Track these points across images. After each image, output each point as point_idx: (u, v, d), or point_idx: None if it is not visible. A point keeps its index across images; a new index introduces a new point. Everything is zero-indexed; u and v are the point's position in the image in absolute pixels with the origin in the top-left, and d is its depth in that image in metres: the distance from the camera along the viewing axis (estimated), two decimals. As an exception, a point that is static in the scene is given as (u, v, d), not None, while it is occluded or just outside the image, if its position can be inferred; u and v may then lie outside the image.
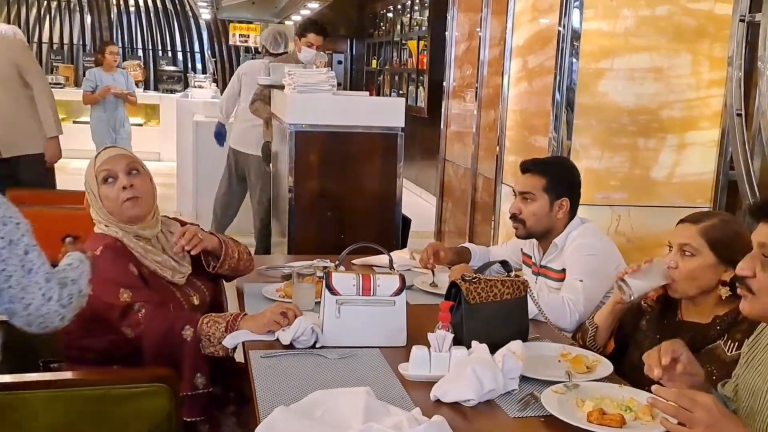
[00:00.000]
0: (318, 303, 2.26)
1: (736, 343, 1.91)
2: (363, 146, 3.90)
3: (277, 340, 2.11)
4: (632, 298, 2.08)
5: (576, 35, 3.45)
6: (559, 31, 3.50)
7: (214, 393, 2.18)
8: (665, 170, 3.55)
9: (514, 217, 2.66)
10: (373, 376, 1.94)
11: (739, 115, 3.02)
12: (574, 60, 3.46)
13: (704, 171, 3.57)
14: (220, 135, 5.92)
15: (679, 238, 2.06)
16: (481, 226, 4.76)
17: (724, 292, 1.99)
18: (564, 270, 2.58)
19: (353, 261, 2.94)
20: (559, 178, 2.65)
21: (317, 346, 2.09)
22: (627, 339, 2.24)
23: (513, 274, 2.18)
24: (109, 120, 7.45)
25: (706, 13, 3.50)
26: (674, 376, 1.70)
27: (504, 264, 2.22)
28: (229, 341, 2.09)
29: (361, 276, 2.15)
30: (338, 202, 3.90)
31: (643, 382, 2.01)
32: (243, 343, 2.12)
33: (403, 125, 3.86)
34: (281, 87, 4.24)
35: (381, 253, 2.52)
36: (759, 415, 1.63)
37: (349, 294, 2.12)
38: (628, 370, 2.08)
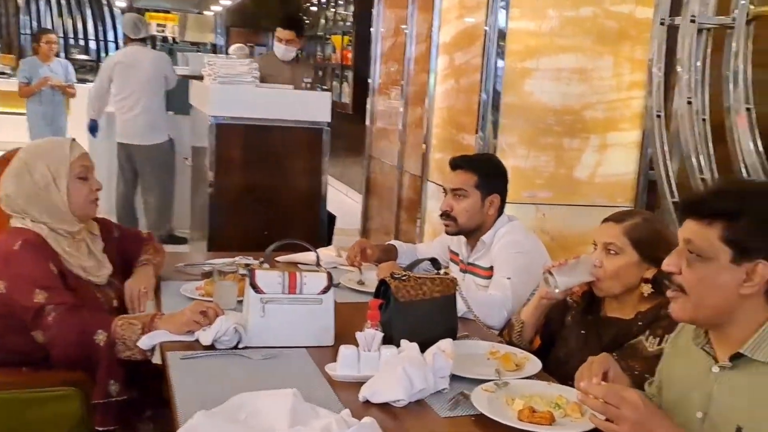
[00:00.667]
0: (240, 302, 2.19)
1: (658, 339, 1.94)
2: (288, 141, 3.83)
3: (197, 340, 2.02)
4: (557, 291, 2.09)
5: (502, 34, 3.46)
6: (485, 30, 3.50)
7: (130, 398, 2.07)
8: (588, 170, 3.61)
9: (445, 215, 2.64)
10: (299, 377, 1.87)
11: (659, 116, 3.08)
12: (500, 59, 3.47)
13: (625, 171, 3.64)
14: (94, 129, 5.90)
15: (603, 237, 2.07)
16: (406, 223, 4.74)
17: (647, 289, 2.02)
18: (492, 267, 2.57)
19: (277, 258, 2.86)
20: (490, 174, 2.64)
21: (240, 346, 2.01)
22: (553, 335, 2.24)
23: (442, 271, 2.15)
24: (46, 113, 7.02)
25: (627, 15, 3.56)
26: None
27: (433, 261, 2.19)
28: (145, 342, 1.99)
29: (286, 274, 2.08)
30: (262, 197, 3.81)
31: (568, 377, 2.02)
32: (160, 344, 2.02)
33: (329, 120, 3.80)
34: (200, 78, 4.12)
35: (307, 250, 2.47)
36: (681, 403, 1.64)
37: (274, 292, 2.05)
38: (554, 366, 2.08)
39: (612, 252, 2.04)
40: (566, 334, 2.17)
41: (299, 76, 4.76)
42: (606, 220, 2.12)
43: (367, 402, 1.73)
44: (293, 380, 1.83)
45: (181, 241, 5.58)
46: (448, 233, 2.70)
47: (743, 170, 2.74)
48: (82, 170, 2.22)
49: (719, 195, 1.55)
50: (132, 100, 5.46)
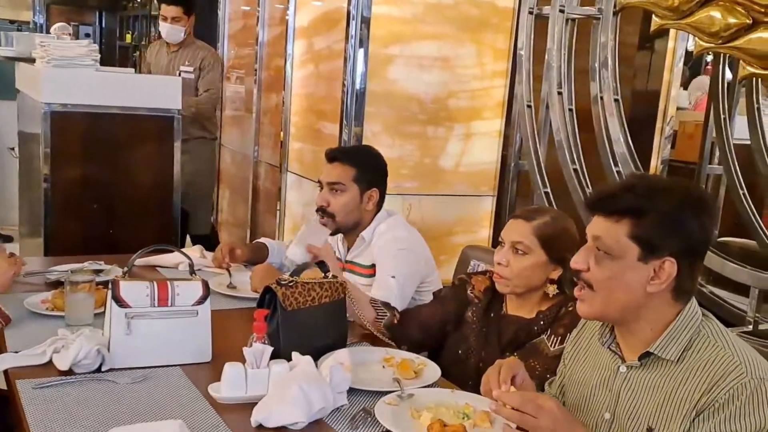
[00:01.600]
0: (98, 315, 1.92)
1: (559, 338, 1.90)
2: (134, 130, 3.49)
3: (52, 364, 1.75)
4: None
5: (365, 20, 3.33)
6: (349, 12, 3.35)
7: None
8: (453, 159, 3.57)
9: (322, 210, 2.47)
10: (177, 402, 1.65)
11: (529, 106, 3.08)
12: (364, 45, 3.34)
13: (489, 160, 3.63)
14: None
15: (511, 236, 2.00)
16: (264, 216, 4.52)
17: (552, 289, 1.98)
18: (373, 265, 2.44)
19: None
20: (369, 167, 2.50)
21: (103, 369, 1.76)
22: (448, 329, 2.14)
23: (330, 275, 1.99)
24: None
25: (488, 4, 3.54)
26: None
27: (320, 264, 2.03)
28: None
29: (155, 284, 1.84)
30: (105, 192, 3.46)
31: (467, 377, 1.96)
32: (6, 371, 1.73)
33: (180, 107, 3.51)
34: (31, 60, 3.68)
35: (169, 252, 2.23)
36: (587, 404, 1.61)
37: (141, 306, 1.81)
38: (452, 364, 2.00)
39: (520, 252, 1.97)
40: (466, 331, 2.09)
41: (179, 62, 4.36)
42: (514, 217, 2.05)
43: (261, 427, 1.55)
44: (170, 406, 1.62)
45: (7, 239, 5.05)
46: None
47: (610, 159, 2.78)
48: None
49: (627, 192, 1.52)
50: None
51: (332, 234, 2.50)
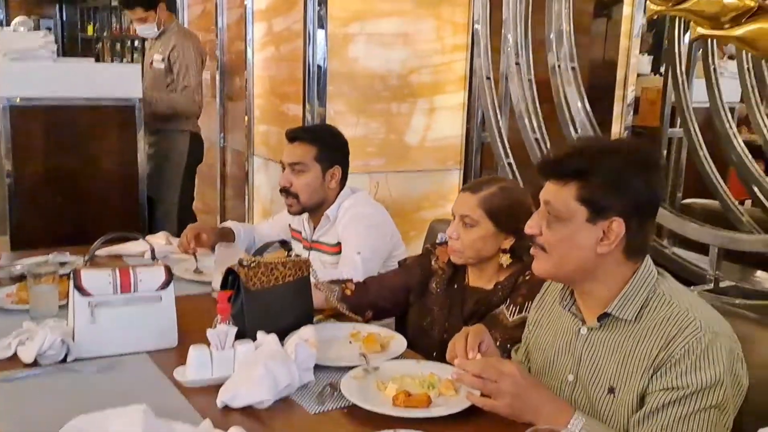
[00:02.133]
0: (63, 307, 1.92)
1: (518, 307, 1.92)
2: (96, 120, 3.46)
3: (16, 356, 1.74)
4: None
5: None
6: (304, -6, 3.33)
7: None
8: (418, 135, 3.57)
9: (285, 191, 2.47)
10: (144, 388, 1.66)
11: (488, 78, 3.08)
12: (323, 25, 3.33)
13: (453, 134, 3.64)
14: None
15: (459, 209, 2.01)
16: (232, 200, 4.51)
17: (505, 259, 1.99)
18: (339, 243, 2.45)
19: (97, 252, 2.56)
20: (329, 146, 2.50)
21: (69, 359, 1.76)
22: (409, 293, 2.16)
23: (293, 253, 2.00)
24: None
25: (446, -22, 3.53)
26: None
27: (283, 243, 2.03)
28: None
29: (117, 271, 1.84)
30: (69, 184, 3.44)
31: (432, 348, 1.98)
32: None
33: (141, 95, 3.48)
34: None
35: (133, 239, 2.22)
36: (551, 367, 1.64)
37: (104, 293, 1.81)
38: (417, 335, 2.02)
39: (468, 224, 1.98)
40: (430, 302, 2.11)
41: (153, 52, 4.23)
42: (463, 189, 2.07)
43: (227, 408, 1.56)
44: (137, 392, 1.63)
45: None
46: (291, 213, 2.53)
47: (571, 127, 2.80)
48: None
49: (573, 155, 1.54)
50: None
51: (298, 214, 2.51)
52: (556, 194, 1.50)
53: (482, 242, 1.97)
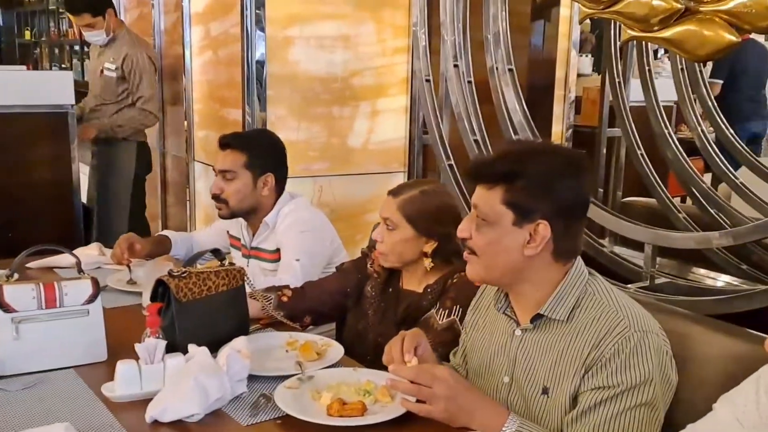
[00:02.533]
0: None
1: (447, 311, 1.90)
2: (26, 129, 3.37)
3: (-66, 377, 1.67)
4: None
5: (261, 2, 3.27)
6: (241, -2, 3.28)
7: None
8: (361, 138, 3.55)
9: (216, 198, 2.43)
10: (71, 405, 1.60)
11: (428, 80, 3.08)
12: (261, 28, 3.28)
13: (397, 137, 3.63)
14: None
15: (382, 212, 2.02)
16: (175, 207, 4.43)
17: (427, 263, 1.98)
18: (278, 250, 2.42)
19: (28, 265, 2.49)
20: (261, 152, 2.46)
21: (-8, 377, 1.69)
22: (346, 297, 2.14)
23: (227, 262, 1.96)
24: None
25: (384, -19, 3.52)
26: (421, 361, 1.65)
27: (215, 252, 1.99)
28: None
29: (41, 285, 1.78)
30: (1, 195, 3.33)
31: (366, 353, 1.96)
32: None
33: (73, 102, 3.39)
34: None
35: (58, 253, 2.16)
36: (487, 369, 1.64)
37: (28, 309, 1.74)
38: (353, 340, 2.00)
39: (389, 227, 1.98)
40: (365, 306, 2.09)
41: (104, 60, 4.06)
42: (388, 192, 2.06)
43: (156, 423, 1.51)
44: (64, 409, 1.58)
45: None
46: (221, 217, 2.50)
47: (510, 128, 2.81)
48: None
49: (498, 159, 1.56)
50: None
51: (228, 218, 2.47)
52: (484, 198, 1.51)
53: (402, 245, 1.97)
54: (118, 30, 4.07)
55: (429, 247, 1.96)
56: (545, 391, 1.50)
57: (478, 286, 1.85)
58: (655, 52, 5.13)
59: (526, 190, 1.47)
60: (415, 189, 2.00)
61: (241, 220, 2.52)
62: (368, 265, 2.11)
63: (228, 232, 2.65)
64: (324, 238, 2.43)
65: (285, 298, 2.09)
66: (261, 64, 3.30)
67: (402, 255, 1.98)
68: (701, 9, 1.92)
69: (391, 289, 2.06)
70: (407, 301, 2.00)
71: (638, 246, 2.53)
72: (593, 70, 5.42)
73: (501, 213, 1.49)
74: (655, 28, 2.05)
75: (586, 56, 5.46)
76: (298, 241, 2.36)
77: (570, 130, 3.79)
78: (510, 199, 1.48)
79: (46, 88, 3.42)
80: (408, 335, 1.63)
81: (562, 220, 1.48)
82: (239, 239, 2.58)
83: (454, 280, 1.92)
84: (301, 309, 2.09)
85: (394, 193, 2.01)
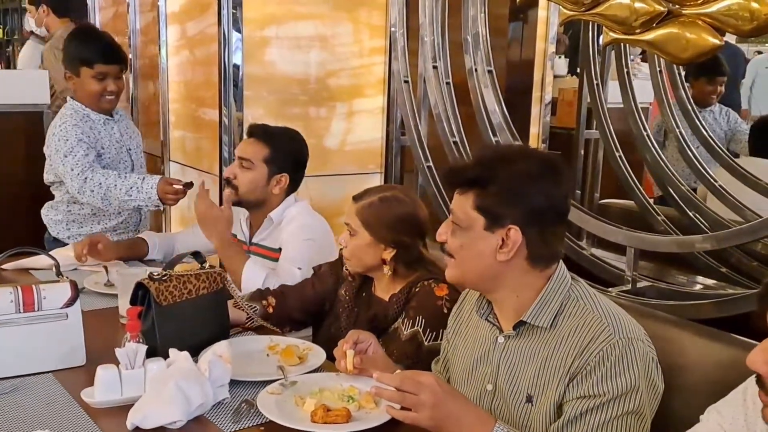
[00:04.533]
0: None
1: (410, 321, 1.90)
2: (0, 128, 3.31)
3: None
4: None
5: (237, 2, 3.24)
6: (217, -3, 3.25)
7: None
8: (338, 138, 3.53)
9: (227, 181, 2.42)
10: (49, 410, 1.58)
11: (406, 81, 3.07)
12: (238, 28, 3.25)
13: (373, 138, 3.61)
14: None
15: (345, 216, 2.03)
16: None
17: (386, 270, 1.98)
18: (281, 249, 2.39)
19: (3, 267, 2.44)
20: (283, 151, 2.45)
21: (-32, 383, 1.66)
22: (324, 303, 2.14)
23: (207, 265, 1.93)
24: None
25: (361, -19, 3.50)
26: (367, 362, 1.69)
27: (195, 255, 1.96)
28: None
29: (19, 289, 1.75)
30: (-27, 196, 3.28)
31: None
32: None
33: (48, 101, 3.34)
34: None
35: (34, 254, 2.12)
36: (470, 377, 1.63)
37: (6, 312, 1.73)
38: (326, 343, 1.98)
39: (351, 232, 1.99)
40: (339, 310, 2.08)
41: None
42: (353, 197, 2.06)
43: (137, 429, 1.50)
44: (43, 415, 1.56)
45: None
46: (226, 201, 2.46)
47: (489, 130, 2.81)
48: None
49: (470, 165, 1.57)
50: None
51: (235, 205, 2.44)
52: (458, 203, 1.52)
53: (362, 251, 1.97)
54: (54, 29, 4.07)
55: (387, 254, 1.96)
56: (529, 399, 1.50)
57: (440, 296, 1.87)
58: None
59: (496, 196, 1.47)
60: (375, 195, 2.00)
61: (241, 214, 2.50)
62: (344, 268, 2.10)
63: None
64: (322, 248, 2.40)
65: (270, 309, 2.08)
66: (238, 63, 3.27)
67: (362, 260, 1.99)
68: (684, 12, 1.94)
69: (364, 294, 2.06)
70: (376, 308, 2.00)
71: (615, 248, 2.53)
72: (568, 72, 5.44)
73: (473, 218, 1.49)
74: (637, 30, 2.06)
75: (560, 57, 5.48)
76: (302, 250, 2.33)
77: (546, 132, 3.80)
78: (481, 205, 1.48)
79: (20, 87, 3.36)
80: (354, 331, 1.70)
81: (535, 226, 1.48)
82: (235, 235, 2.53)
83: (417, 290, 1.91)
84: (284, 318, 2.10)
85: (356, 198, 2.02)
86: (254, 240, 2.49)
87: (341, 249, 2.13)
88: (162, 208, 2.89)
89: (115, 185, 2.60)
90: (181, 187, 2.56)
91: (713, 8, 1.86)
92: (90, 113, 2.78)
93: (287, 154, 2.47)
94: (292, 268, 2.28)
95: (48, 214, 2.88)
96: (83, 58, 2.73)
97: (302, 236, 2.36)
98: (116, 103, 2.85)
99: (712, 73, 3.98)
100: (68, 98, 2.83)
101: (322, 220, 2.53)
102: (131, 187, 2.58)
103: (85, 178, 2.62)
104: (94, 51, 2.73)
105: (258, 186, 2.42)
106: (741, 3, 1.83)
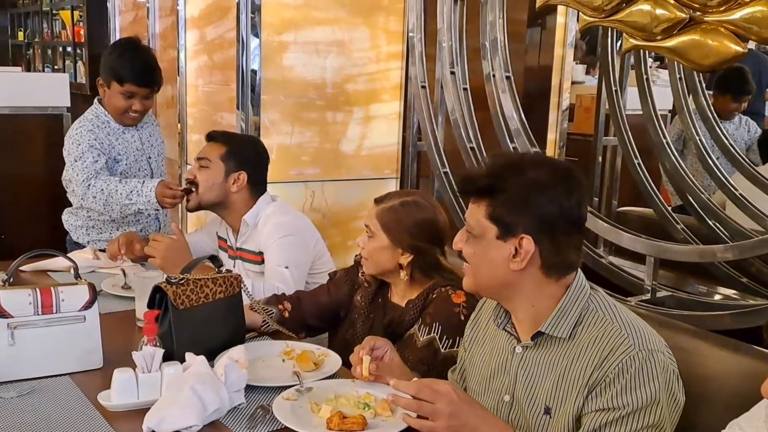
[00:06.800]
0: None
1: (426, 328, 1.89)
2: (21, 130, 3.35)
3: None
4: None
5: (256, 7, 3.25)
6: (237, 3, 3.27)
7: None
8: (354, 143, 3.53)
9: (188, 182, 2.46)
10: (66, 413, 1.59)
11: (423, 87, 3.07)
12: (256, 33, 3.27)
13: (390, 143, 3.61)
14: None
15: (366, 218, 2.03)
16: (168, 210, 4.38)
17: (403, 275, 1.97)
18: (261, 252, 2.40)
19: (21, 268, 2.46)
20: (239, 149, 2.48)
21: (-14, 384, 1.67)
22: (339, 310, 2.14)
23: (224, 269, 1.94)
24: None
25: (379, -14, 3.50)
26: (383, 368, 1.68)
27: (213, 259, 1.97)
28: None
29: (38, 291, 1.76)
30: (-6, 196, 3.30)
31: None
32: None
33: (69, 104, 3.37)
34: None
35: (53, 256, 2.14)
36: (487, 387, 1.62)
37: (24, 314, 1.73)
38: (341, 349, 1.98)
39: (369, 234, 1.99)
40: (354, 315, 2.08)
41: None
42: (375, 199, 2.06)
43: (153, 433, 1.50)
44: (59, 418, 1.56)
45: None
46: (188, 209, 2.52)
47: (506, 136, 2.80)
48: None
49: (482, 174, 1.56)
50: None
51: (194, 210, 2.49)
52: (471, 212, 1.52)
53: (378, 254, 1.97)
54: None
55: (404, 259, 1.95)
56: (547, 410, 1.48)
57: (458, 303, 1.86)
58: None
59: (507, 205, 1.46)
60: (396, 199, 2.00)
61: (226, 222, 2.52)
62: (359, 274, 2.10)
63: (216, 233, 2.64)
64: (306, 240, 2.42)
65: (286, 314, 2.09)
66: (256, 68, 3.29)
67: (379, 264, 1.98)
68: (706, 19, 1.92)
69: (380, 300, 2.06)
70: (392, 315, 1.99)
71: (634, 256, 2.51)
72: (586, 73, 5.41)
73: (486, 227, 1.49)
74: (658, 37, 2.04)
75: (576, 63, 5.46)
76: (282, 247, 2.34)
77: (564, 139, 3.78)
78: (492, 214, 1.48)
79: (41, 90, 3.39)
80: (370, 337, 1.69)
81: (547, 235, 1.46)
82: (225, 240, 2.57)
83: (434, 296, 1.90)
84: (300, 324, 2.10)
85: (378, 200, 2.02)
86: (238, 245, 2.51)
87: (356, 255, 2.14)
88: (162, 212, 2.90)
89: (117, 190, 2.61)
90: (179, 191, 2.56)
91: (736, 15, 1.84)
92: (111, 120, 2.80)
93: (243, 151, 2.49)
94: (279, 269, 2.29)
95: (68, 219, 2.90)
96: (116, 73, 2.72)
97: (278, 235, 2.37)
98: (140, 120, 2.85)
99: (740, 92, 3.95)
100: (95, 100, 2.85)
101: (300, 215, 2.56)
102: (131, 191, 2.59)
103: (89, 185, 2.64)
104: (129, 69, 2.71)
105: (215, 183, 2.43)
106: (764, 10, 1.81)
